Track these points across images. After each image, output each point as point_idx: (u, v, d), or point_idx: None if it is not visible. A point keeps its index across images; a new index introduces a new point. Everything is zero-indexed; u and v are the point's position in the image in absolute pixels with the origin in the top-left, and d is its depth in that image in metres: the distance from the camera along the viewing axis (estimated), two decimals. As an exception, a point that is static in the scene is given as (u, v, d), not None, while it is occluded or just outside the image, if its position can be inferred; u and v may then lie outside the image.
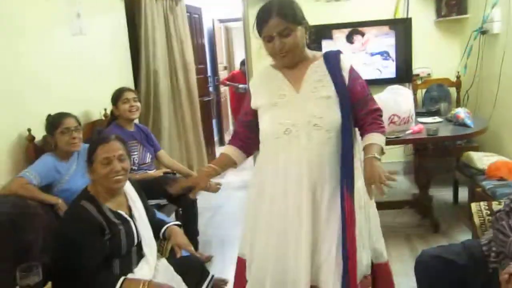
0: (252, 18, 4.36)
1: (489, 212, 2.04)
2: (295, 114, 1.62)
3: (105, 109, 3.19)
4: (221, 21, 7.13)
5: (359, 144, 1.71)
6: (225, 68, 7.51)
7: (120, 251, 1.79)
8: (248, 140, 1.78)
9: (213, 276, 1.97)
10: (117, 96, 2.96)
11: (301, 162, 1.60)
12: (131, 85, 3.82)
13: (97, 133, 2.96)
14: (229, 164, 1.80)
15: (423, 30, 4.32)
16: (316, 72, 1.67)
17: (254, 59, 4.62)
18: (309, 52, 1.71)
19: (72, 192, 2.29)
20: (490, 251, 1.76)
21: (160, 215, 2.35)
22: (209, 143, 5.46)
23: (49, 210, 2.15)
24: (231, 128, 7.76)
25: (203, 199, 3.07)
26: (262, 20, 1.59)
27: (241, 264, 1.86)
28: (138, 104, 3.00)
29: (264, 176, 1.72)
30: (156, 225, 2.03)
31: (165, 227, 2.04)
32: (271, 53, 1.63)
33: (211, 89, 5.92)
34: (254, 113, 1.74)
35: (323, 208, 1.63)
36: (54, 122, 2.38)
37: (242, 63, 6.52)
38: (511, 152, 3.41)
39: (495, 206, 2.05)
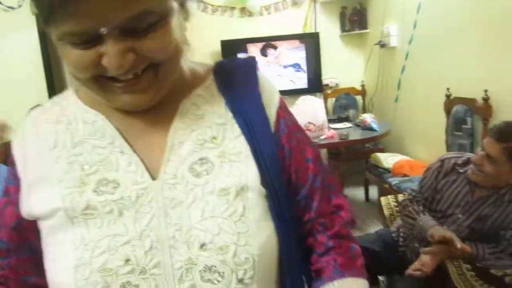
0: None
1: (396, 204, 2.31)
2: (149, 241, 0.60)
3: (21, 127, 3.07)
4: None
5: None
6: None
7: None
8: None
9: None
10: None
11: None
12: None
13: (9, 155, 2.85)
14: None
15: (330, 43, 4.65)
16: (201, 114, 0.67)
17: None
18: (183, 66, 0.68)
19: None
20: (399, 236, 2.02)
21: None
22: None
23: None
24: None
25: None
26: None
27: None
28: None
29: None
30: None
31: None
32: (91, 70, 0.57)
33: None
34: (35, 228, 0.66)
35: None
36: None
37: None
38: (412, 151, 3.82)
39: (401, 198, 2.33)
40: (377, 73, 4.39)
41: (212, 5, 4.51)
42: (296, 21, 4.64)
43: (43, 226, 0.64)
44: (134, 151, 0.64)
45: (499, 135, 1.63)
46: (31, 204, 0.64)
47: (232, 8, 4.52)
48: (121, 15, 0.52)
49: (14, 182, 0.67)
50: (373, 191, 3.93)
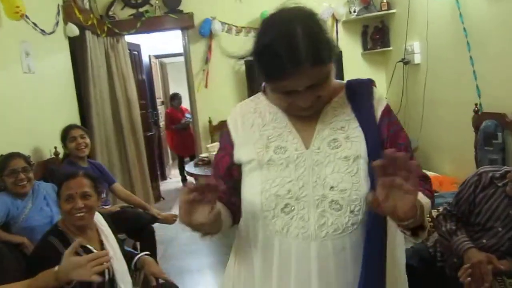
0: (193, 53, 4.60)
1: (430, 219, 2.29)
2: (302, 183, 1.01)
3: (55, 147, 3.16)
4: (157, 57, 7.24)
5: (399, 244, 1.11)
6: (162, 102, 7.57)
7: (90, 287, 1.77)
8: (232, 206, 1.12)
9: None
10: (65, 135, 2.97)
11: (307, 259, 1.00)
12: (78, 122, 3.80)
13: (49, 172, 2.93)
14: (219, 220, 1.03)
15: (352, 62, 4.70)
16: (336, 113, 1.07)
17: (196, 90, 4.77)
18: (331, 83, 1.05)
19: (31, 229, 2.29)
20: (436, 252, 2.01)
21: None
22: (153, 178, 5.46)
23: (14, 250, 2.11)
24: (170, 162, 7.78)
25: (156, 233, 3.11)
26: (282, 67, 0.93)
27: None
28: (87, 140, 3.01)
29: (251, 275, 1.10)
30: (126, 257, 2.05)
31: (136, 258, 2.08)
32: (287, 109, 1.06)
33: (152, 123, 5.96)
34: (239, 169, 1.11)
35: None
36: (1, 164, 2.36)
37: (172, 98, 6.66)
38: (439, 167, 3.80)
39: (434, 213, 2.32)
40: (401, 90, 4.41)
41: (236, 26, 4.61)
42: (318, 40, 4.70)
43: (244, 168, 1.10)
44: (297, 132, 1.07)
45: None
46: (238, 155, 1.11)
47: (256, 29, 4.58)
48: (311, 81, 0.96)
49: (229, 143, 1.14)
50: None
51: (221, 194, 1.07)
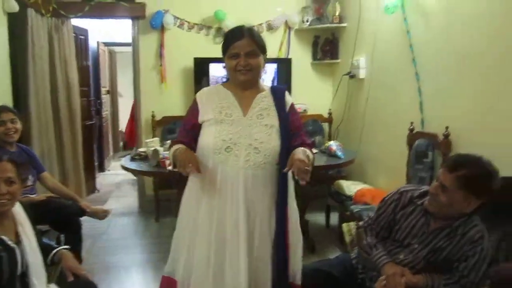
0: (142, 44, 4.48)
1: (355, 230, 2.35)
2: (239, 135, 1.76)
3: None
4: (106, 44, 7.00)
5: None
6: (108, 92, 7.32)
7: (0, 280, 1.68)
8: (192, 150, 1.81)
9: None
10: None
11: (237, 179, 1.74)
12: (10, 104, 3.59)
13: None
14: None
15: (301, 70, 4.77)
16: (263, 101, 1.84)
17: (142, 83, 4.64)
18: (260, 83, 1.90)
19: None
20: (358, 264, 2.05)
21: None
22: (89, 169, 5.27)
23: None
24: (111, 153, 7.54)
25: (84, 226, 2.99)
26: (233, 37, 1.77)
27: (169, 283, 1.91)
28: (18, 125, 2.85)
29: (200, 190, 1.81)
30: (44, 250, 1.95)
31: (54, 251, 1.98)
32: (234, 68, 1.77)
33: (93, 112, 5.75)
34: (200, 127, 1.84)
35: (257, 223, 1.79)
36: None
37: None
38: (374, 180, 3.92)
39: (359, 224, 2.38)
40: (344, 102, 4.51)
41: (188, 22, 4.54)
42: (270, 46, 4.71)
43: (204, 124, 1.83)
44: (240, 106, 1.82)
45: (451, 165, 1.71)
46: (202, 117, 1.84)
47: (208, 27, 4.57)
48: (247, 49, 1.76)
49: (196, 110, 1.86)
50: (334, 218, 3.99)
51: (186, 143, 1.83)
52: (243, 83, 1.81)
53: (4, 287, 1.69)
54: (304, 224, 3.77)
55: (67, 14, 4.31)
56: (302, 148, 1.74)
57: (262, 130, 1.77)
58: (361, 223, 2.13)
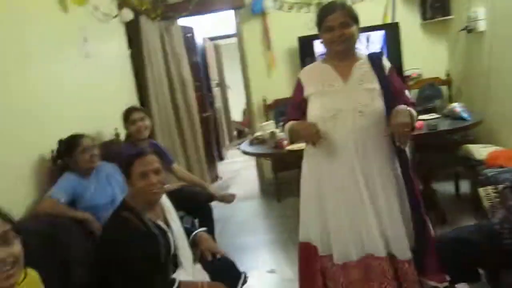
0: (246, 32, 4.59)
1: (496, 195, 2.16)
2: (342, 102, 1.87)
3: (116, 129, 3.28)
4: (211, 39, 7.29)
5: None
6: (217, 84, 7.64)
7: (159, 261, 1.85)
8: None
9: (245, 275, 2.05)
10: (125, 118, 3.06)
11: (347, 143, 1.86)
12: (137, 104, 3.92)
13: (109, 153, 3.05)
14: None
15: (410, 33, 4.48)
16: (362, 68, 1.92)
17: (251, 70, 4.75)
18: (357, 52, 1.97)
19: (95, 208, 2.39)
20: (503, 229, 1.89)
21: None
22: (210, 159, 5.56)
23: (79, 227, 2.22)
24: (227, 143, 7.88)
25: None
26: (326, 12, 1.87)
27: (307, 248, 2.03)
28: (147, 122, 3.08)
29: (317, 158, 1.96)
30: (185, 234, 2.11)
31: (193, 234, 2.13)
32: (330, 40, 1.87)
33: (207, 105, 6.05)
34: (306, 101, 1.99)
35: (377, 184, 1.88)
36: (73, 143, 2.46)
37: None
38: (506, 141, 3.56)
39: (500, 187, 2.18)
40: (464, 61, 4.15)
41: (287, 2, 4.53)
42: (374, 13, 4.52)
43: (310, 98, 1.97)
44: (339, 75, 1.92)
45: None
46: (307, 91, 1.98)
47: (308, 4, 4.50)
48: (340, 20, 1.83)
49: (300, 86, 2.02)
50: (464, 186, 3.72)
51: (295, 118, 1.99)
52: (340, 53, 1.91)
53: (161, 267, 1.87)
54: (431, 194, 3.58)
55: (174, 15, 4.56)
56: (403, 106, 1.81)
57: (364, 94, 1.86)
58: (502, 185, 1.95)
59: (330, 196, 1.92)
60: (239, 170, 6.22)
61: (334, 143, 1.87)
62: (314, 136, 1.81)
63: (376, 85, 1.88)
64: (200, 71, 5.84)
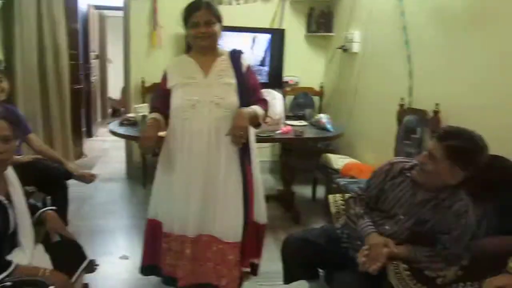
0: (134, 8, 4.38)
1: (342, 202, 2.37)
2: (201, 93, 2.04)
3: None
4: (97, 7, 6.83)
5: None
6: (97, 56, 7.19)
7: None
8: (166, 115, 2.13)
9: (90, 260, 1.95)
10: None
11: (202, 130, 2.04)
12: (-3, 63, 3.51)
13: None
14: (163, 124, 2.13)
15: (294, 41, 4.70)
16: (222, 63, 2.11)
17: (133, 49, 4.56)
18: (219, 48, 2.14)
19: None
20: (343, 233, 2.08)
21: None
22: (76, 134, 5.22)
23: None
24: (99, 120, 7.47)
25: (70, 190, 2.97)
26: (193, 9, 2.01)
27: (153, 224, 2.25)
28: (4, 84, 2.80)
29: (173, 144, 2.12)
30: (30, 211, 1.94)
31: (39, 212, 1.97)
32: (195, 35, 2.02)
33: (81, 77, 5.65)
34: (169, 92, 2.12)
35: (221, 169, 2.07)
36: None
37: None
38: (361, 155, 3.94)
39: (346, 196, 2.40)
40: (336, 76, 4.49)
41: (182, -12, 4.43)
42: (264, 16, 4.66)
43: (173, 89, 2.10)
44: (201, 68, 2.09)
45: (442, 135, 1.73)
46: (170, 83, 2.12)
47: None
48: (205, 18, 2.00)
49: (165, 78, 2.14)
50: (321, 190, 4.03)
51: (160, 108, 2.14)
52: (203, 48, 2.07)
53: None
54: (290, 195, 3.81)
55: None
56: (247, 109, 2.01)
57: (222, 88, 2.05)
58: (348, 194, 2.15)
59: (176, 177, 2.11)
60: (107, 149, 5.93)
61: (190, 131, 2.04)
62: (146, 149, 2.08)
63: (232, 80, 2.06)
64: (78, 39, 5.43)
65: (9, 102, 3.04)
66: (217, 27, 2.04)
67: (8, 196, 1.77)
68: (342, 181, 3.23)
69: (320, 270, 2.17)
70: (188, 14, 2.02)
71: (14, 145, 1.78)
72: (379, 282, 1.79)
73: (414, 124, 3.06)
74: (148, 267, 2.32)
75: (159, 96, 2.20)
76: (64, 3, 4.57)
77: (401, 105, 3.24)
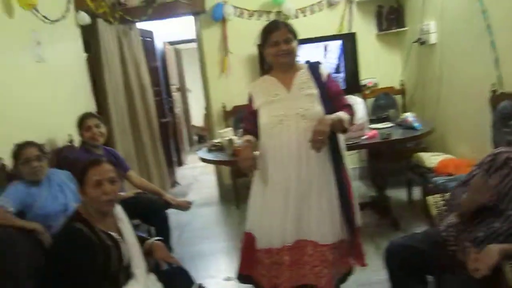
0: (205, 38, 4.58)
1: (443, 202, 2.25)
2: (287, 108, 2.11)
3: (70, 135, 3.20)
4: (171, 43, 7.23)
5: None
6: (178, 89, 7.58)
7: (110, 273, 1.81)
8: (257, 135, 2.22)
9: (199, 285, 2.04)
10: (80, 124, 3.00)
11: (292, 142, 2.08)
12: (93, 110, 3.84)
13: (63, 159, 2.97)
14: (256, 144, 2.22)
15: (366, 43, 4.61)
16: (302, 76, 2.18)
17: (210, 76, 4.75)
18: (297, 63, 2.23)
19: (47, 216, 2.33)
20: (449, 236, 1.96)
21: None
22: (169, 164, 5.50)
23: (28, 237, 2.14)
24: (187, 148, 7.82)
25: (170, 219, 3.13)
26: (272, 29, 2.12)
27: (249, 238, 2.28)
28: (102, 129, 3.03)
29: (265, 159, 2.18)
30: (139, 242, 2.07)
31: (146, 243, 2.10)
32: (275, 53, 2.11)
33: (166, 110, 5.98)
34: (257, 113, 2.22)
35: (315, 177, 2.10)
36: (15, 153, 2.39)
37: None
38: (455, 150, 3.72)
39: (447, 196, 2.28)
40: (416, 71, 4.31)
41: (248, 10, 4.56)
42: (332, 22, 4.63)
43: (259, 108, 2.19)
44: (283, 85, 2.16)
45: None
46: (256, 104, 2.22)
47: (268, 12, 4.56)
48: (284, 36, 2.10)
49: (252, 99, 2.26)
50: (416, 192, 3.86)
51: (250, 130, 2.24)
52: (284, 64, 2.16)
53: (109, 278, 1.83)
54: (385, 200, 3.69)
55: (133, 18, 4.50)
56: (330, 116, 2.01)
57: (305, 99, 2.11)
58: (448, 194, 2.04)
59: (271, 189, 2.15)
60: (198, 175, 6.18)
61: (281, 145, 2.10)
62: (247, 169, 2.09)
63: (314, 91, 2.12)
64: (159, 75, 5.77)
65: (107, 145, 3.30)
66: (295, 43, 2.13)
67: (119, 232, 1.91)
68: (439, 180, 3.06)
69: (429, 277, 2.07)
70: (268, 34, 2.12)
71: (120, 185, 1.93)
72: (495, 284, 1.66)
73: (510, 109, 2.83)
74: (245, 276, 2.38)
75: (248, 118, 2.29)
76: (143, 45, 4.90)
77: (494, 91, 3.02)
